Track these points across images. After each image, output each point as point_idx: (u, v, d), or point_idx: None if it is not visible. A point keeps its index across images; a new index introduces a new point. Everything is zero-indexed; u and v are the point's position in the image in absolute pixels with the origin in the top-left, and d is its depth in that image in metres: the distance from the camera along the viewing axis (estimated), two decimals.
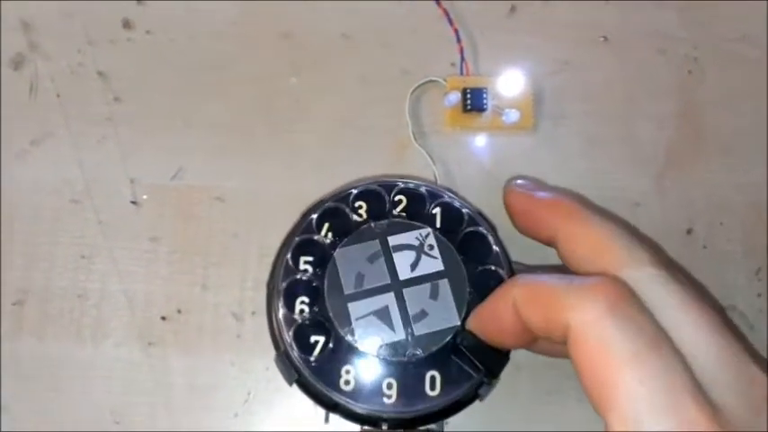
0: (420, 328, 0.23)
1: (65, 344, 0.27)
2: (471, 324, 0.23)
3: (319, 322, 0.24)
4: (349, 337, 0.23)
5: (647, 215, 0.29)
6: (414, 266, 0.24)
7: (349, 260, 0.24)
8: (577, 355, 0.18)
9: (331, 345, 0.23)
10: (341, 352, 0.23)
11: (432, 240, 0.24)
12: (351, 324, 0.23)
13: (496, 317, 0.21)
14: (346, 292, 0.24)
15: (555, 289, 0.19)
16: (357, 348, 0.23)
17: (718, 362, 0.18)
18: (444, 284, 0.24)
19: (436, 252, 0.24)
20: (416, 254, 0.24)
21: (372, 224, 0.25)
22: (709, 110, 0.30)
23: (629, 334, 0.17)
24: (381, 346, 0.23)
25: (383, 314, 0.24)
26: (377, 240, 0.24)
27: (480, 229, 0.25)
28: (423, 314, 0.24)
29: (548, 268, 0.25)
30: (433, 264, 0.24)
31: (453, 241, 0.24)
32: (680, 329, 0.18)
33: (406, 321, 0.23)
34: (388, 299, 0.24)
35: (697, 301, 0.19)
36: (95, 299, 0.28)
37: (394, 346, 0.23)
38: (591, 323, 0.18)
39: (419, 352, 0.23)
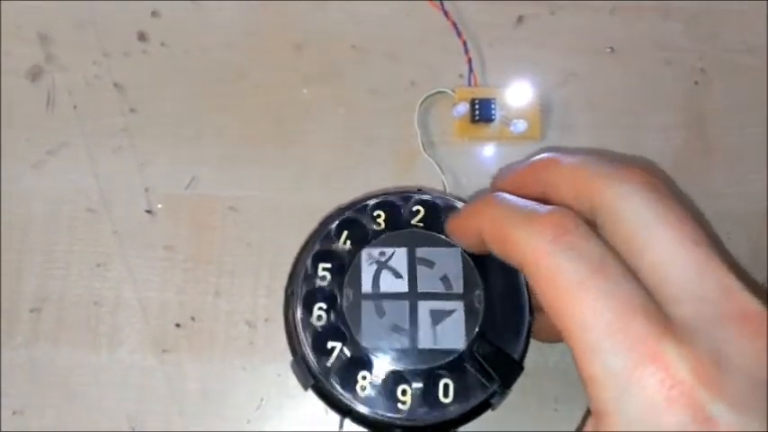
0: (423, 343, 0.24)
1: (80, 350, 0.28)
2: (447, 228, 0.24)
3: (336, 328, 0.24)
4: (364, 344, 0.24)
5: None
6: (434, 281, 0.24)
7: (373, 261, 0.25)
8: (534, 289, 0.19)
9: (347, 351, 0.24)
10: (357, 358, 0.24)
11: (457, 259, 0.25)
12: (360, 323, 0.24)
13: (465, 235, 0.23)
14: (364, 290, 0.24)
15: (509, 223, 0.20)
16: (371, 355, 0.24)
17: (692, 274, 0.18)
18: (459, 306, 0.24)
19: (459, 272, 0.25)
20: (439, 270, 0.25)
21: (404, 231, 0.25)
22: (716, 120, 0.31)
23: (572, 264, 0.18)
24: (390, 354, 0.24)
25: (393, 320, 0.24)
26: (405, 249, 0.25)
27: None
28: (431, 330, 0.24)
29: None
30: (452, 283, 0.24)
31: (470, 253, 0.25)
32: (655, 243, 0.18)
33: (414, 333, 0.24)
34: (402, 307, 0.24)
35: (676, 213, 0.19)
36: (110, 306, 0.28)
37: (399, 355, 0.24)
38: (539, 259, 0.18)
39: (419, 365, 0.23)
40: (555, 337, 0.24)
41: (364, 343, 0.24)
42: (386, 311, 0.24)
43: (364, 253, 0.25)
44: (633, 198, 0.19)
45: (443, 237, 0.25)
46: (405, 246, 0.25)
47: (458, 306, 0.24)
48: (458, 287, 0.24)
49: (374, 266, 0.25)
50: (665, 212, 0.19)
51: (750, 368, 0.16)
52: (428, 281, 0.24)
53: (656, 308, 0.17)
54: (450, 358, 0.23)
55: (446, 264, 0.24)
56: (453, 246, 0.25)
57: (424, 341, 0.24)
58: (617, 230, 0.19)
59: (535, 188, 0.22)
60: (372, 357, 0.24)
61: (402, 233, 0.25)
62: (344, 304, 0.24)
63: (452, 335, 0.24)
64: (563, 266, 0.18)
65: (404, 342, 0.24)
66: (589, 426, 0.18)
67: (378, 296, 0.24)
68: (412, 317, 0.24)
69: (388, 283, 0.24)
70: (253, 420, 0.27)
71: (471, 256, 0.25)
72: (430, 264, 0.25)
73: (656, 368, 0.16)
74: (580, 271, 0.18)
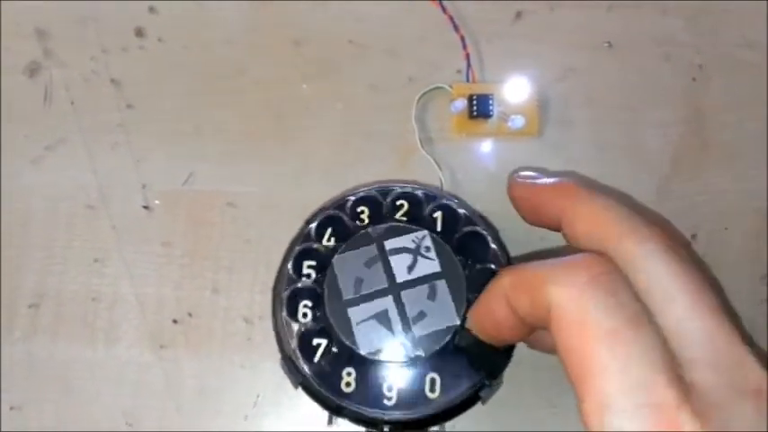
0: (420, 330, 0.24)
1: (78, 346, 0.28)
2: (468, 323, 0.23)
3: (321, 327, 0.24)
4: (349, 342, 0.24)
5: None
6: (411, 269, 0.25)
7: (347, 266, 0.25)
8: (557, 332, 0.18)
9: (333, 348, 0.24)
10: (342, 355, 0.24)
11: (428, 242, 0.25)
12: (351, 329, 0.24)
13: (490, 311, 0.22)
14: (345, 297, 0.24)
15: (538, 270, 0.19)
16: (358, 352, 0.24)
17: (706, 341, 0.18)
18: (442, 285, 0.24)
19: (433, 254, 0.25)
20: (413, 256, 0.25)
21: (370, 229, 0.25)
22: (714, 116, 0.30)
23: (607, 310, 0.17)
24: (382, 350, 0.24)
25: (382, 317, 0.24)
26: (374, 245, 0.25)
27: (478, 228, 0.25)
28: (422, 315, 0.24)
29: (544, 254, 0.25)
30: (430, 265, 0.25)
31: (452, 242, 0.25)
32: (671, 306, 0.18)
33: (406, 323, 0.24)
34: (387, 302, 0.24)
35: (694, 278, 0.19)
36: (108, 302, 0.28)
37: (395, 349, 0.24)
38: (570, 299, 0.18)
39: (420, 353, 0.23)
40: (548, 348, 0.24)
41: (361, 351, 0.24)
42: (372, 312, 0.24)
43: (336, 261, 0.25)
44: (653, 257, 0.19)
45: (410, 225, 0.25)
46: (373, 242, 0.25)
47: (440, 284, 0.24)
48: (435, 266, 0.24)
49: (348, 271, 0.25)
50: (683, 277, 0.18)
51: None
52: (404, 270, 0.24)
53: (678, 372, 0.17)
54: (439, 346, 0.23)
55: (418, 248, 0.25)
56: (420, 230, 0.25)
57: (418, 329, 0.24)
58: (634, 285, 0.19)
59: (551, 210, 0.22)
60: (358, 354, 0.24)
61: (367, 232, 0.25)
62: (328, 312, 0.24)
63: (444, 313, 0.24)
64: (595, 311, 0.17)
65: (397, 336, 0.24)
66: None
67: (360, 299, 0.24)
68: (399, 309, 0.24)
69: (367, 283, 0.24)
70: (250, 417, 0.27)
71: (440, 234, 0.25)
72: (402, 252, 0.25)
73: None
74: (614, 319, 0.17)
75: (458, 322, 0.24)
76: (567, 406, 0.27)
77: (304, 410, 0.27)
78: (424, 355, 0.23)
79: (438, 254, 0.25)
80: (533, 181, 0.24)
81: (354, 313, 0.24)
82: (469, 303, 0.24)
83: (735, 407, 0.17)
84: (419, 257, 0.25)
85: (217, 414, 0.27)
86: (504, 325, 0.21)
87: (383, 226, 0.25)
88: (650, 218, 0.20)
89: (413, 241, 0.25)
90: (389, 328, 0.24)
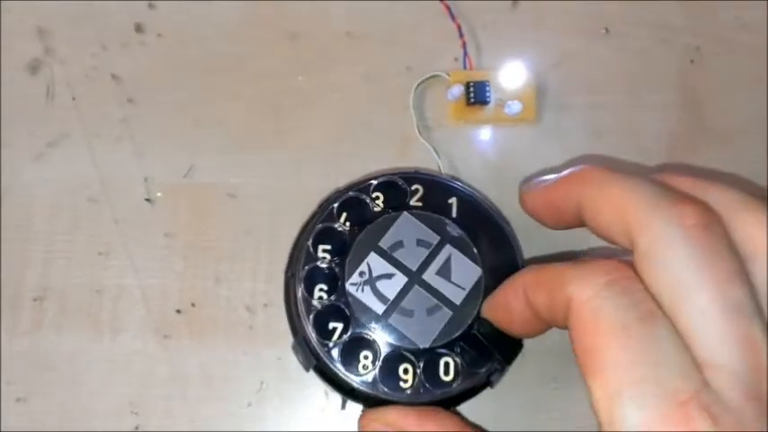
0: (436, 316, 0.24)
1: (83, 338, 0.28)
2: (484, 312, 0.24)
3: (338, 309, 0.24)
4: (366, 323, 0.24)
5: None
6: (433, 255, 0.25)
7: (405, 229, 0.25)
8: (574, 330, 0.19)
9: (349, 330, 0.24)
10: (359, 338, 0.24)
11: (455, 232, 0.25)
12: (368, 308, 0.24)
13: (507, 304, 0.22)
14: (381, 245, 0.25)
15: (559, 270, 0.20)
16: (374, 335, 0.24)
17: (719, 343, 0.17)
18: (475, 269, 0.25)
19: (458, 248, 0.25)
20: (437, 244, 0.25)
21: (400, 213, 0.25)
22: (712, 99, 0.31)
23: (622, 308, 0.18)
24: (398, 334, 0.24)
25: (402, 301, 0.24)
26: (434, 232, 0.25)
27: (499, 224, 0.26)
28: (439, 304, 0.24)
29: (558, 257, 0.26)
30: (454, 257, 0.25)
31: (471, 235, 0.25)
32: (688, 303, 0.18)
33: (422, 309, 0.24)
34: (407, 286, 0.24)
35: (720, 273, 0.18)
36: (112, 294, 0.29)
37: (411, 333, 0.24)
38: (588, 298, 0.18)
39: (436, 339, 0.24)
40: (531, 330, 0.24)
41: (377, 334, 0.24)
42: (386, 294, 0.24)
43: (371, 256, 0.25)
44: (676, 246, 0.18)
45: (435, 215, 0.25)
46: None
47: (470, 266, 0.25)
48: (458, 258, 0.25)
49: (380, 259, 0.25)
50: (706, 269, 0.18)
51: None
52: (426, 256, 0.25)
53: (690, 368, 0.17)
54: (455, 334, 0.24)
55: (443, 238, 0.25)
56: (447, 221, 0.25)
57: (435, 315, 0.24)
58: (652, 275, 0.18)
59: (568, 208, 0.22)
60: (374, 337, 0.24)
61: (396, 215, 0.25)
62: (348, 287, 0.24)
63: (465, 277, 0.25)
64: (610, 309, 0.18)
65: (414, 321, 0.24)
66: None
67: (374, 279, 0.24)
68: (417, 294, 0.24)
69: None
70: (254, 403, 0.27)
71: (460, 225, 0.25)
72: (424, 241, 0.25)
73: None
74: (628, 316, 0.18)
75: (473, 312, 0.24)
76: (568, 383, 0.27)
77: (307, 396, 0.27)
78: (440, 341, 0.24)
79: (461, 248, 0.25)
80: (541, 183, 0.23)
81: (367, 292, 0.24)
82: (485, 296, 0.24)
83: (747, 410, 0.17)
84: (444, 244, 0.25)
85: (221, 401, 0.27)
86: (518, 318, 0.22)
87: (415, 213, 0.26)
88: (681, 193, 0.19)
89: (437, 232, 0.25)
90: (407, 313, 0.24)
